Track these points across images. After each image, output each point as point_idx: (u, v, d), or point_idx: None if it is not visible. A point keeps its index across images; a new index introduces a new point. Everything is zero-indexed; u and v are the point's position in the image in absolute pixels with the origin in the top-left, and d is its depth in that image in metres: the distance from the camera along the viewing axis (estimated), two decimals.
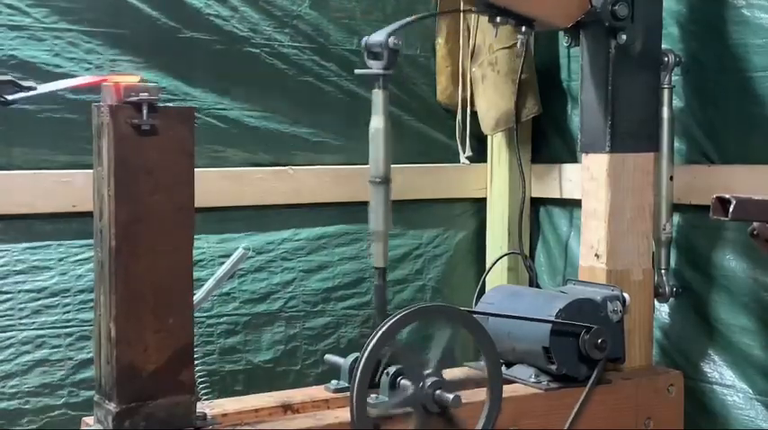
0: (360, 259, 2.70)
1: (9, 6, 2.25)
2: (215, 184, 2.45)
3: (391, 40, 1.90)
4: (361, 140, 2.64)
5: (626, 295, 2.15)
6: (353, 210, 2.64)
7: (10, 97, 1.62)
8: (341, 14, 2.68)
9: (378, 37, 1.90)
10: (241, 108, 2.55)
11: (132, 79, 1.63)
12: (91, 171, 1.68)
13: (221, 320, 2.51)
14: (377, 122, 1.96)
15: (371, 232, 1.98)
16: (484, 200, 2.92)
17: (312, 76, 2.64)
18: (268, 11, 2.57)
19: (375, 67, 1.93)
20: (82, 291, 2.33)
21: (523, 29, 2.16)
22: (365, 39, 1.93)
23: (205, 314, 2.45)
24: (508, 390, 1.96)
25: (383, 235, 1.96)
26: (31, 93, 1.64)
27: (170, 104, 2.11)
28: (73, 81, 1.89)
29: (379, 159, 1.96)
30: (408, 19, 2.07)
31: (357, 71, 2.00)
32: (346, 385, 1.95)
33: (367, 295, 2.71)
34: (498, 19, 2.15)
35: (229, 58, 2.52)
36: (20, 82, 1.62)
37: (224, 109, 2.52)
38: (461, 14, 2.70)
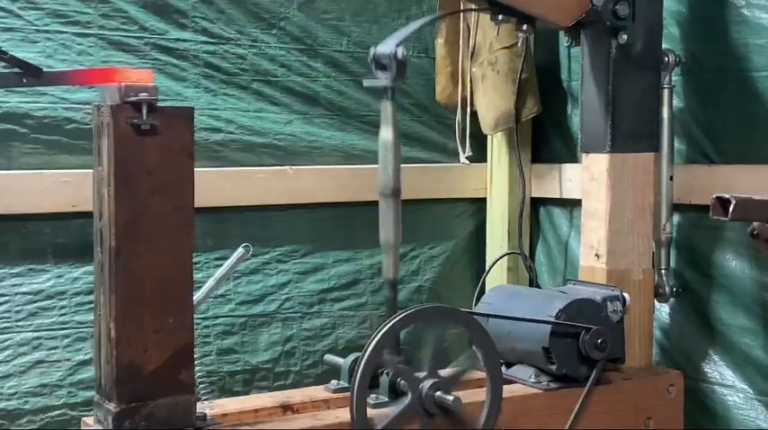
0: (355, 260, 2.70)
1: (1, 9, 2.26)
2: (213, 184, 2.44)
3: (399, 51, 1.89)
4: (357, 139, 2.67)
5: (626, 295, 2.15)
6: (351, 211, 2.64)
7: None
8: (329, 16, 2.68)
9: (385, 48, 1.88)
10: (234, 108, 2.55)
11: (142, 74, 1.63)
12: (91, 171, 1.68)
13: (218, 322, 2.51)
14: (386, 134, 1.93)
15: (382, 244, 1.96)
16: (484, 200, 2.92)
17: (302, 77, 2.64)
18: (255, 12, 2.57)
19: (383, 78, 1.92)
20: (78, 294, 2.33)
21: (524, 27, 2.16)
22: (372, 50, 1.92)
23: (201, 316, 2.45)
24: (508, 391, 1.95)
25: (393, 247, 1.94)
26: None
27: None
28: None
29: (388, 171, 1.94)
30: (412, 26, 2.04)
31: (365, 82, 1.98)
32: (346, 385, 1.95)
33: (363, 296, 2.72)
34: (500, 17, 2.14)
35: (218, 59, 2.52)
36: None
37: (216, 109, 2.52)
38: (461, 14, 2.69)
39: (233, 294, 2.54)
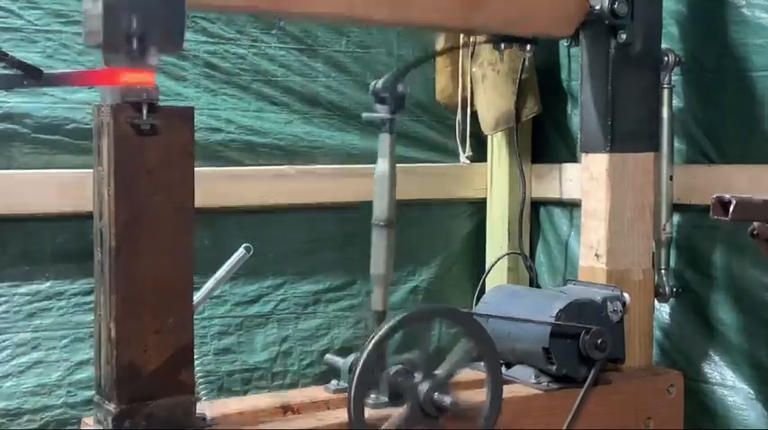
0: (352, 261, 2.70)
1: (1, 9, 2.26)
2: (213, 184, 2.44)
3: (398, 85, 1.91)
4: (357, 139, 2.68)
5: (626, 295, 2.15)
6: (350, 211, 2.64)
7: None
8: None
9: (384, 83, 1.92)
10: (234, 108, 2.55)
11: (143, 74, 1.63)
12: (91, 171, 1.68)
13: (214, 322, 2.51)
14: (383, 166, 1.95)
15: (372, 275, 1.97)
16: (484, 200, 2.92)
17: (302, 77, 2.64)
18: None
19: (382, 111, 1.94)
20: (76, 295, 2.33)
21: (528, 47, 2.17)
22: (372, 84, 1.94)
23: (197, 316, 2.44)
24: (508, 391, 1.95)
25: (384, 278, 1.95)
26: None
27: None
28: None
29: (383, 202, 1.95)
30: (413, 61, 2.08)
31: (364, 116, 2.00)
32: (346, 385, 1.95)
33: (358, 297, 2.72)
34: (502, 45, 2.16)
35: (218, 59, 2.52)
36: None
37: (216, 109, 2.52)
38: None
39: (229, 295, 2.54)
